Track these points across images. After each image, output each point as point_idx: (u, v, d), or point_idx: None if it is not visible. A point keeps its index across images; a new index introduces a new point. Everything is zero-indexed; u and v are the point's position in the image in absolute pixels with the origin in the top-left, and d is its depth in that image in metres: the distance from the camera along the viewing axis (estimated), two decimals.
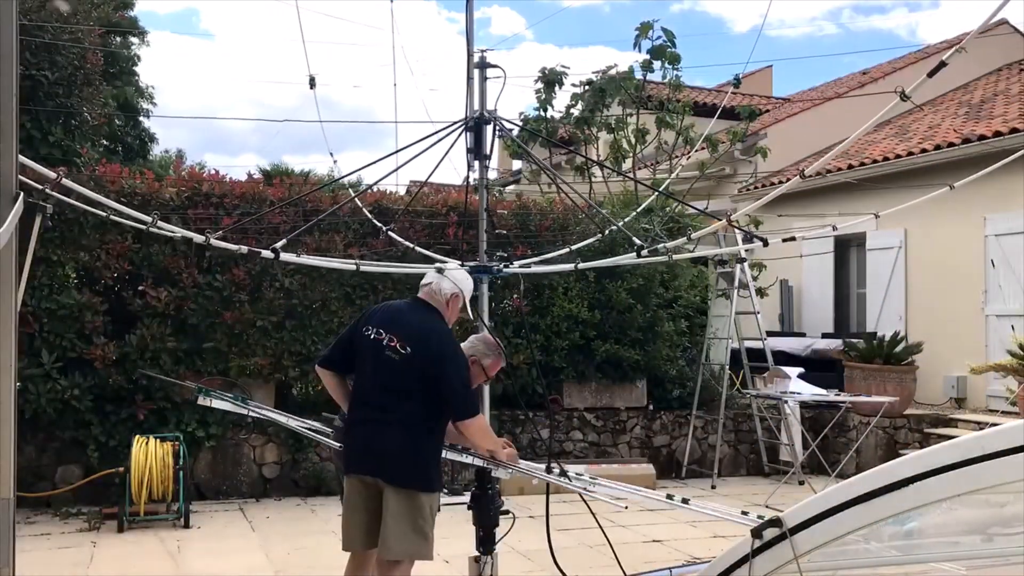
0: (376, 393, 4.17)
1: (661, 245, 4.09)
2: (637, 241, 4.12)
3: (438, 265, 4.31)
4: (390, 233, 5.63)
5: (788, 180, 13.14)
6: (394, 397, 4.12)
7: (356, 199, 6.59)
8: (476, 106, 4.16)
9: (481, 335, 4.67)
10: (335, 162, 6.28)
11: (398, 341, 4.14)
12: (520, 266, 4.60)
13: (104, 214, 3.56)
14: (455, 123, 4.16)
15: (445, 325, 4.30)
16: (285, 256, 3.83)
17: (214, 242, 3.76)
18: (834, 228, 4.25)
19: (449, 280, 4.32)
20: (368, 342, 4.21)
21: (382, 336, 4.18)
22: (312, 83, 5.12)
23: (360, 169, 8.12)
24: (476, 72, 4.18)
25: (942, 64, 2.78)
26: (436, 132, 4.17)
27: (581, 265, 4.87)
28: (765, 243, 4.09)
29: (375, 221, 6.39)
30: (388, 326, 4.20)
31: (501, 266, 4.28)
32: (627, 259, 4.22)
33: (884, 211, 4.35)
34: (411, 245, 5.60)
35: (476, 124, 4.12)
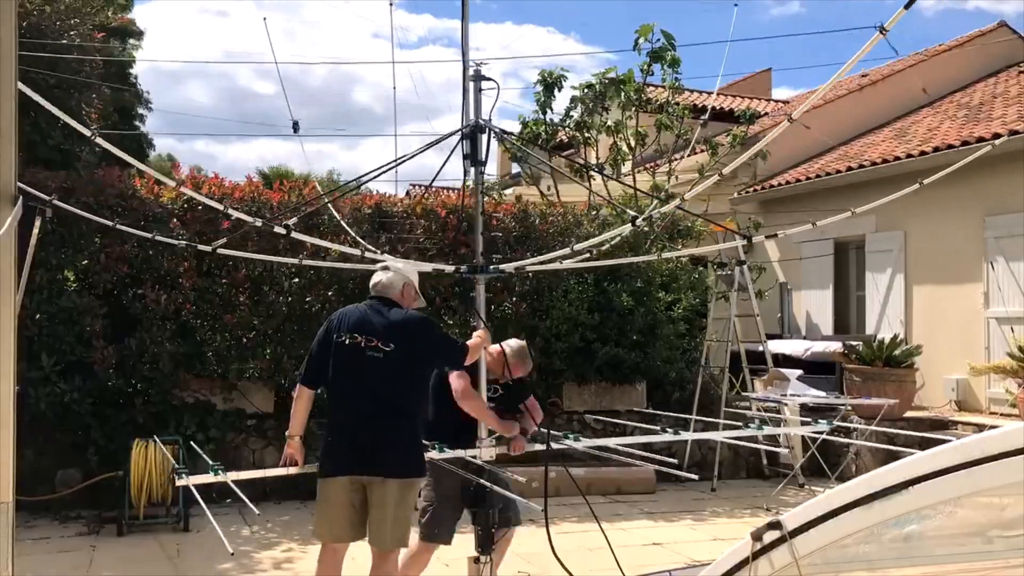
0: (366, 394, 4.25)
1: (655, 209, 4.15)
2: (631, 212, 4.19)
3: (382, 264, 4.55)
4: (387, 258, 5.75)
5: (788, 181, 13.21)
6: (385, 394, 4.22)
7: (355, 202, 6.63)
8: (472, 116, 4.29)
9: (519, 347, 5.09)
10: (314, 181, 6.28)
11: (378, 340, 4.25)
12: (515, 266, 4.68)
13: (110, 224, 3.58)
14: (451, 133, 4.29)
15: (412, 311, 4.49)
16: (296, 235, 3.96)
17: (221, 249, 3.82)
18: (813, 224, 4.30)
19: (395, 272, 4.51)
20: (345, 348, 4.30)
21: (359, 340, 4.28)
22: (296, 128, 5.22)
23: (362, 175, 8.13)
24: (471, 84, 4.30)
25: None
26: (434, 141, 4.34)
27: (575, 258, 4.91)
28: (749, 240, 4.15)
29: (365, 242, 6.50)
30: (361, 329, 4.31)
31: (496, 265, 4.36)
32: (623, 230, 4.26)
33: (860, 208, 4.41)
34: (408, 261, 5.72)
35: (472, 132, 4.24)
